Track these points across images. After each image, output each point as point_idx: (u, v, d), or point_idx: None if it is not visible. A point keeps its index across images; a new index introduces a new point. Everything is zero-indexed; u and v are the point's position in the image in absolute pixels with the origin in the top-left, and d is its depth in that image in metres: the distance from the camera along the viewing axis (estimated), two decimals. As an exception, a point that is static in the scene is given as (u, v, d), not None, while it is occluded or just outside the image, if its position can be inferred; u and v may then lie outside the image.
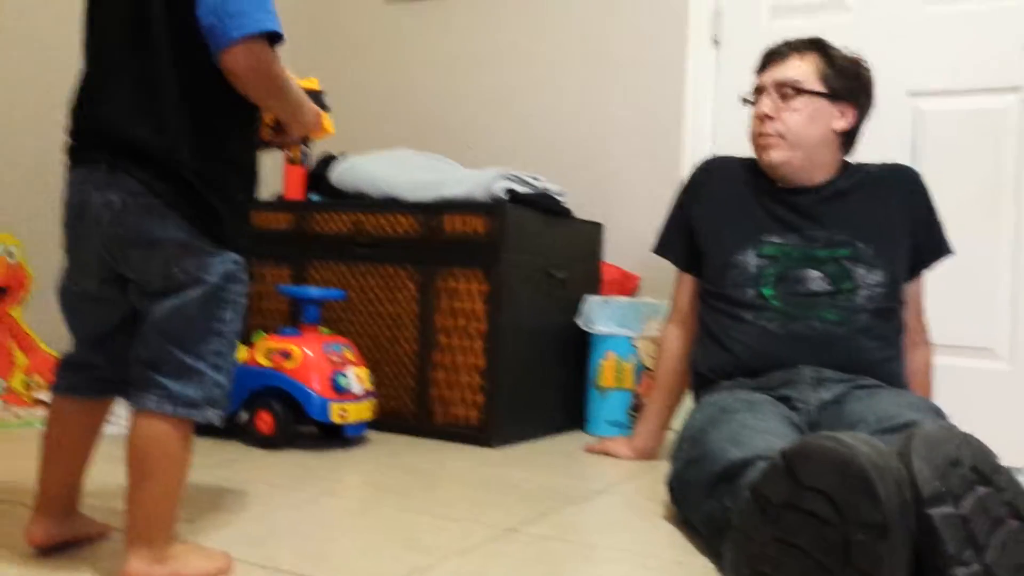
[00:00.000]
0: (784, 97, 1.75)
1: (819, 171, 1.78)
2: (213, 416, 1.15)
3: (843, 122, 1.77)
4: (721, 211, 1.85)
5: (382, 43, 3.06)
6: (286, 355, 2.00)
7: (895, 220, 1.77)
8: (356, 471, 1.84)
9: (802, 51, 1.77)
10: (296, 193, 2.56)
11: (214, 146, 1.14)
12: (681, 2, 2.62)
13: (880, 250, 1.73)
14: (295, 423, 1.99)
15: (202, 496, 1.55)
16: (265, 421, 1.98)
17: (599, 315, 2.37)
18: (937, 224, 1.82)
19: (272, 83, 1.15)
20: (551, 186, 2.41)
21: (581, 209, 2.56)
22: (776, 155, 1.75)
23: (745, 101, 1.83)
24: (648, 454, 2.04)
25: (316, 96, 1.33)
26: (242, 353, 2.09)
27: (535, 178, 2.37)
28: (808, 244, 1.74)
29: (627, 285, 2.59)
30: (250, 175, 1.22)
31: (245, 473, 1.74)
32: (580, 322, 2.40)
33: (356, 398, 2.01)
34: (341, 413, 1.98)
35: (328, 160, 2.59)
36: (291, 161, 1.29)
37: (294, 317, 2.32)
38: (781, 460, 1.07)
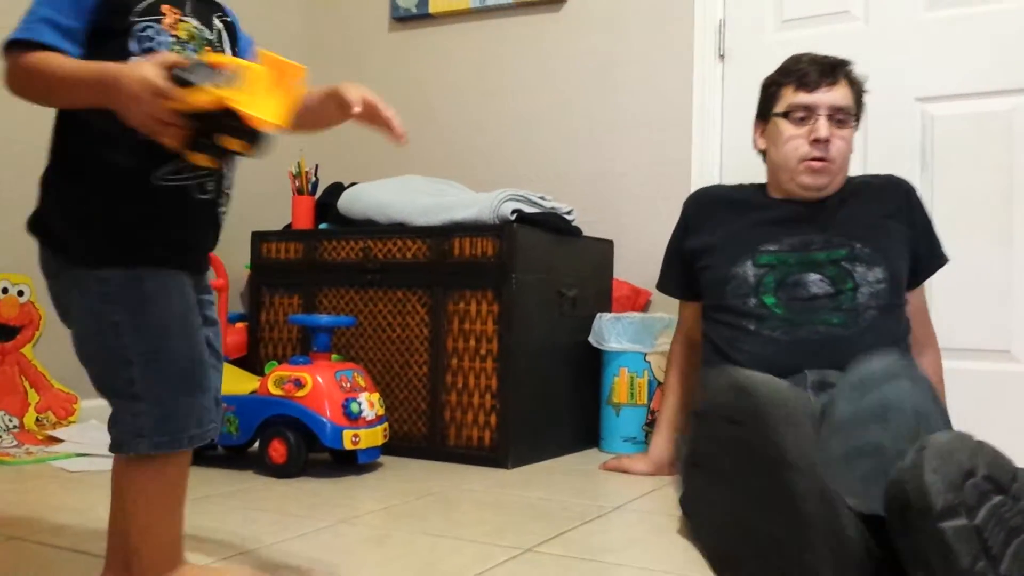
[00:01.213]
0: (837, 123, 1.74)
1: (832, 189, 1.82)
2: (147, 447, 1.06)
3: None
4: (715, 233, 1.86)
5: (387, 69, 3.07)
6: (298, 384, 1.99)
7: (892, 225, 1.78)
8: (371, 497, 1.82)
9: (847, 73, 1.78)
10: (304, 222, 2.57)
11: (54, 158, 1.09)
12: (687, 17, 2.63)
13: (878, 248, 1.73)
14: (308, 451, 1.98)
15: (216, 526, 1.54)
16: (278, 450, 1.97)
17: (611, 332, 2.35)
18: (934, 234, 1.85)
19: (21, 86, 1.02)
20: (559, 205, 2.41)
21: (591, 227, 2.56)
22: (824, 180, 1.76)
23: (786, 115, 1.78)
24: (665, 466, 2.02)
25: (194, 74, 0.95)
26: (253, 383, 2.08)
27: (543, 198, 2.37)
28: (805, 248, 1.74)
29: (638, 301, 2.57)
30: (98, 176, 1.05)
31: (259, 503, 1.73)
32: (592, 340, 2.38)
33: (368, 424, 2.00)
34: (354, 439, 1.96)
35: (336, 188, 2.60)
36: (211, 168, 1.05)
37: (305, 345, 2.32)
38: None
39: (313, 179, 2.63)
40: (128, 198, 1.05)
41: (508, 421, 2.14)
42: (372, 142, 3.05)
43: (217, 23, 1.16)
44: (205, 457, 2.13)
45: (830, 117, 1.74)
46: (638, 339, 2.34)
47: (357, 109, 1.14)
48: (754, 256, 1.77)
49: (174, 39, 1.07)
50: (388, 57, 3.08)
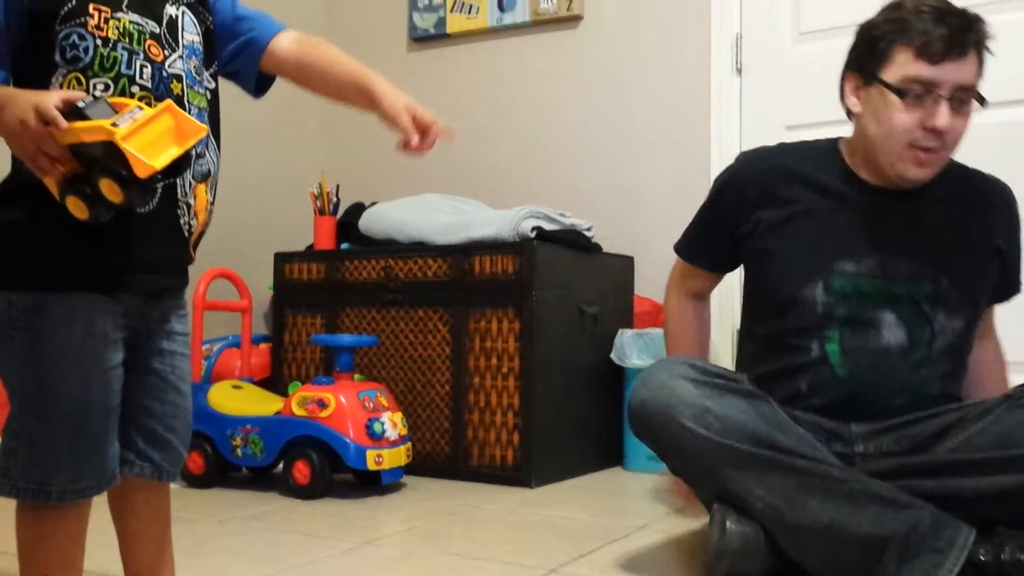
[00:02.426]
0: (958, 103, 1.37)
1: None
2: (8, 490, 0.98)
3: None
4: (780, 230, 1.49)
5: (406, 88, 3.08)
6: (321, 404, 2.00)
7: (987, 252, 1.49)
8: (395, 517, 1.82)
9: (978, 42, 1.38)
10: (326, 243, 2.59)
11: None
12: (703, 31, 2.63)
13: (968, 292, 1.45)
14: (332, 472, 1.98)
15: (241, 548, 1.54)
16: (302, 471, 1.97)
17: (633, 348, 2.34)
18: (1020, 260, 1.56)
19: None
20: (579, 222, 2.41)
21: (610, 243, 2.55)
22: (931, 172, 1.41)
23: (900, 93, 1.37)
24: None
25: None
26: (277, 404, 2.09)
27: (562, 214, 2.37)
28: (886, 277, 1.43)
29: (660, 317, 2.56)
30: (23, 188, 0.98)
31: (283, 524, 1.73)
32: (614, 356, 2.37)
33: (391, 444, 2.00)
34: (377, 459, 1.97)
35: (357, 208, 2.61)
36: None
37: (328, 365, 2.33)
38: None
39: (334, 199, 2.65)
40: (52, 213, 0.95)
41: (531, 440, 2.14)
42: (392, 162, 3.08)
43: (171, 9, 1.06)
44: (229, 478, 2.14)
45: (952, 98, 1.36)
46: (661, 355, 2.32)
47: (414, 139, 1.13)
48: (827, 277, 1.44)
49: (101, 41, 0.98)
50: (406, 76, 3.10)
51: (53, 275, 0.98)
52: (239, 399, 2.15)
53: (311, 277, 2.48)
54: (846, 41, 2.40)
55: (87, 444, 0.99)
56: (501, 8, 2.89)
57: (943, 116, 1.35)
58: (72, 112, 0.89)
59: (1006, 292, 1.57)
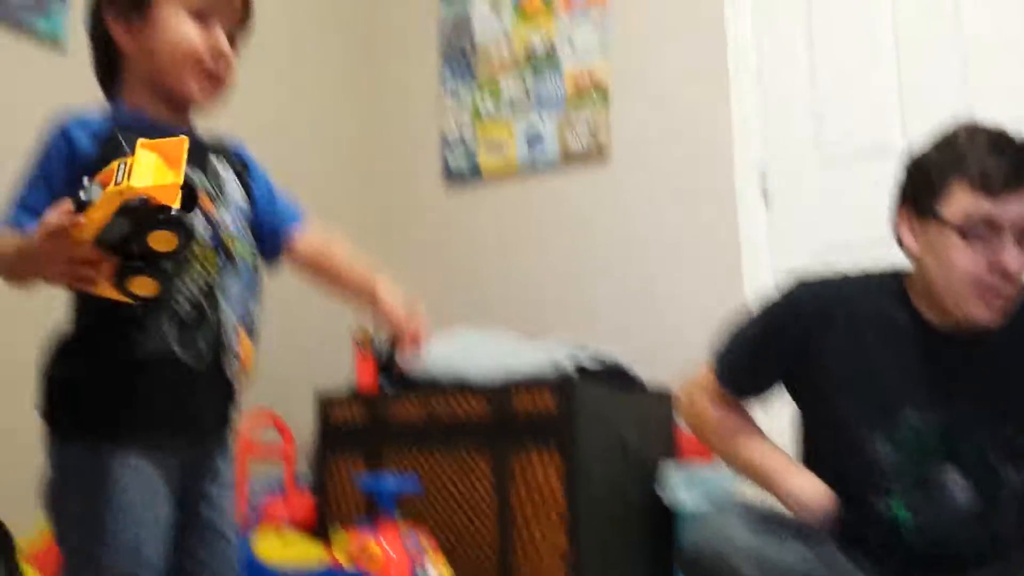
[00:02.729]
0: (1022, 236, 1.27)
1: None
2: None
3: None
4: (841, 364, 1.38)
5: (441, 226, 3.18)
6: (367, 553, 1.97)
7: None
8: (444, 673, 1.77)
9: None
10: (368, 383, 2.61)
11: (66, 326, 1.06)
12: (727, 161, 2.69)
13: None
14: (379, 623, 1.94)
15: None
16: (348, 623, 1.94)
17: (680, 485, 2.31)
18: None
19: None
20: (618, 356, 2.42)
21: (651, 377, 2.55)
22: (1001, 316, 1.30)
23: (961, 232, 1.27)
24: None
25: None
26: (323, 553, 2.08)
27: (601, 349, 2.38)
28: (951, 425, 1.33)
29: (706, 451, 2.53)
30: (87, 348, 1.02)
31: None
32: (660, 492, 2.34)
33: (437, 589, 1.97)
34: (423, 605, 1.93)
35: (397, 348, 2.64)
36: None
37: (371, 509, 2.32)
38: None
39: (376, 340, 2.69)
40: (112, 371, 1.00)
41: (580, 582, 2.09)
42: (432, 300, 3.12)
43: (216, 164, 1.12)
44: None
45: (1017, 232, 1.25)
46: (710, 492, 2.29)
47: (407, 342, 1.18)
48: (891, 428, 1.34)
49: None
50: (441, 215, 3.19)
51: (113, 430, 1.00)
52: (285, 548, 2.13)
53: (353, 418, 2.50)
54: (873, 166, 2.48)
55: None
56: (530, 146, 2.99)
57: (1011, 255, 1.25)
58: (75, 205, 0.88)
59: None
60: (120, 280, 0.92)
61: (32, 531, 2.18)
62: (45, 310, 1.14)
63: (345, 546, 2.01)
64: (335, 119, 3.23)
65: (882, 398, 1.35)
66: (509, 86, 3.04)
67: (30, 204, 1.00)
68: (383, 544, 1.97)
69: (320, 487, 2.52)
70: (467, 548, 2.26)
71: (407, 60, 3.30)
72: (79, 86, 1.29)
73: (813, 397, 1.43)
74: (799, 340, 1.41)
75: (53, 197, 0.97)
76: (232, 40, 1.13)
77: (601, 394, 2.28)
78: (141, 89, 1.10)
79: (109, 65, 1.12)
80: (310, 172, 3.04)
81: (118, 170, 0.89)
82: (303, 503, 2.54)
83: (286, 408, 2.52)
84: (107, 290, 0.93)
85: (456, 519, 2.29)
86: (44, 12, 2.24)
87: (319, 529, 2.46)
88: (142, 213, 0.88)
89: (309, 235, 1.26)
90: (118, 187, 0.87)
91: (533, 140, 2.98)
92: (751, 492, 1.57)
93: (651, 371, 2.59)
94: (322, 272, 1.25)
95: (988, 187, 1.25)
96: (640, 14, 2.87)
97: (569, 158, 2.93)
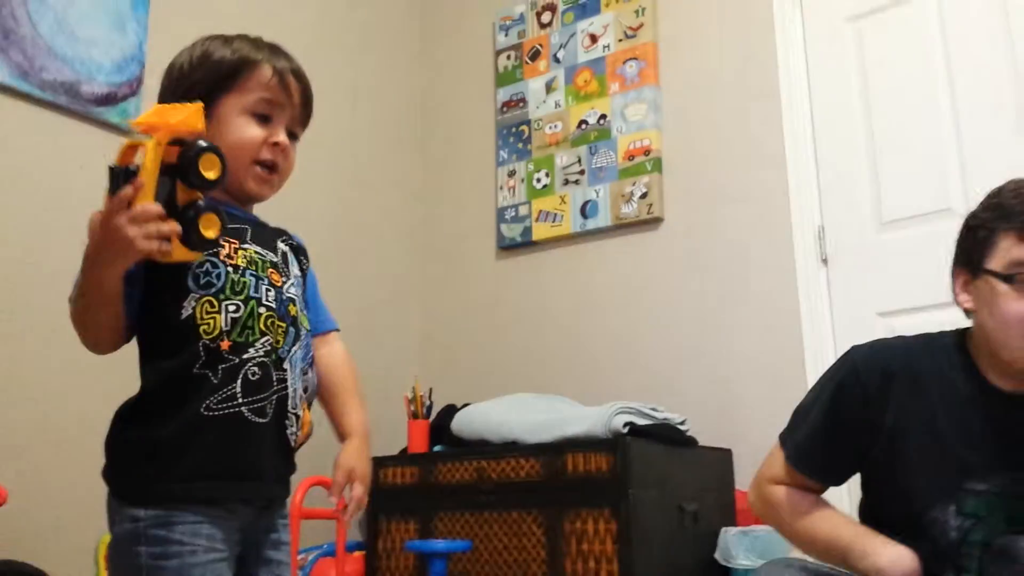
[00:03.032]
0: None
1: None
2: None
3: None
4: (906, 433, 1.35)
5: (495, 292, 3.20)
6: (415, 612, 1.94)
7: None
8: None
9: None
10: (419, 446, 2.60)
11: (134, 397, 1.09)
12: (784, 224, 2.67)
13: None
14: None
15: None
16: None
17: (738, 547, 2.23)
18: None
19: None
20: (672, 416, 2.38)
21: (707, 437, 2.50)
22: None
23: (1009, 279, 1.29)
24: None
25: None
26: (371, 613, 2.04)
27: (655, 409, 2.35)
28: (1017, 491, 1.28)
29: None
30: (149, 415, 1.05)
31: None
32: (719, 556, 2.25)
33: (488, 655, 1.91)
34: (473, 673, 1.87)
35: (450, 410, 2.64)
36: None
37: (423, 572, 2.28)
38: None
39: (427, 402, 2.69)
40: (174, 433, 1.02)
41: (635, 649, 2.01)
42: (484, 364, 3.15)
43: (281, 246, 1.19)
44: None
45: None
46: (768, 553, 2.20)
47: (334, 499, 1.17)
48: (960, 498, 1.31)
49: (232, 268, 1.08)
50: (495, 282, 3.22)
51: (177, 491, 1.01)
52: (333, 609, 2.11)
53: (404, 481, 2.48)
54: (932, 228, 2.44)
55: None
56: (584, 215, 3.01)
57: None
58: (118, 177, 0.95)
59: None
60: (188, 232, 0.98)
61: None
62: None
63: (393, 606, 1.98)
64: (396, 199, 3.32)
65: (950, 467, 1.31)
66: (563, 160, 3.09)
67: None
68: (432, 605, 1.94)
69: (372, 549, 2.49)
70: (518, 613, 2.20)
71: (465, 139, 3.40)
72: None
73: (879, 468, 1.39)
74: (867, 410, 1.38)
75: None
76: (293, 134, 1.19)
77: (655, 453, 2.23)
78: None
79: None
80: (367, 243, 3.12)
81: (136, 153, 0.97)
82: (354, 566, 2.52)
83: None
84: (180, 251, 0.98)
85: (507, 582, 2.23)
86: (115, 104, 2.36)
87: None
88: (191, 151, 0.97)
89: (335, 346, 1.31)
90: (159, 130, 0.95)
91: (587, 208, 3.01)
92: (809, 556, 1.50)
93: (710, 431, 2.54)
94: (322, 387, 1.27)
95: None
96: (693, 86, 2.91)
97: (622, 225, 2.94)
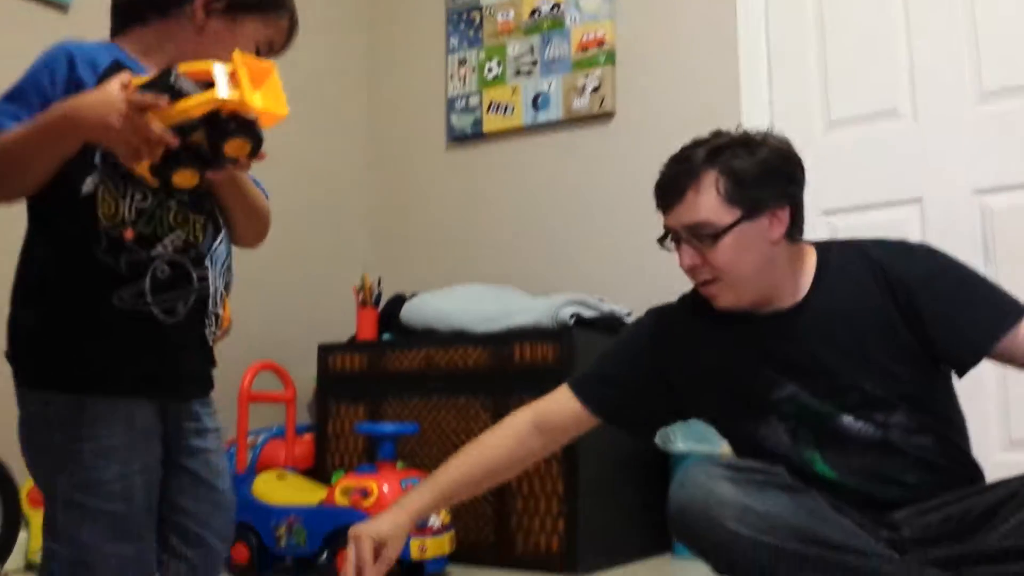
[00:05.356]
0: (701, 239, 1.38)
1: (783, 292, 1.42)
2: None
3: (779, 227, 1.39)
4: (700, 385, 1.48)
5: (444, 184, 3.19)
6: (364, 493, 2.00)
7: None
8: (439, 607, 1.80)
9: (697, 179, 1.40)
10: (368, 333, 2.63)
11: (20, 271, 1.03)
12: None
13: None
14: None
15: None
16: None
17: (677, 433, 2.33)
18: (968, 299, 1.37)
19: None
20: (617, 307, 2.43)
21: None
22: (723, 300, 1.41)
23: (661, 244, 1.50)
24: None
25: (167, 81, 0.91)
26: (321, 493, 2.10)
27: (600, 300, 2.40)
28: (812, 389, 1.40)
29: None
30: (55, 296, 0.99)
31: (328, 613, 1.72)
32: (658, 441, 2.35)
33: (435, 532, 1.99)
34: (421, 548, 1.95)
35: (399, 300, 2.66)
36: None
37: (371, 454, 2.34)
38: None
39: (376, 291, 2.70)
40: (83, 321, 0.98)
41: (576, 526, 2.11)
42: (432, 254, 3.16)
43: None
44: (274, 569, 2.13)
45: (691, 235, 1.43)
46: (705, 439, 2.30)
47: None
48: (774, 408, 1.46)
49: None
50: (445, 173, 3.20)
51: (90, 377, 0.97)
52: (283, 489, 2.16)
53: (354, 368, 2.52)
54: (877, 127, 2.48)
55: (131, 542, 0.98)
56: (536, 107, 2.99)
57: (685, 254, 1.43)
58: (167, 90, 0.89)
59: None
60: (164, 167, 0.92)
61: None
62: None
63: (343, 487, 2.03)
64: (342, 88, 3.24)
65: (749, 392, 1.41)
66: (515, 49, 3.04)
67: (10, 110, 0.96)
68: (381, 485, 2.00)
69: (321, 433, 2.54)
70: (465, 493, 2.28)
71: (413, 25, 3.30)
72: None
73: (695, 412, 1.53)
74: (656, 370, 1.50)
75: (32, 112, 0.95)
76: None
77: (599, 344, 2.29)
78: (156, 53, 1.07)
79: (140, 15, 1.08)
80: (316, 127, 3.06)
81: (218, 75, 0.91)
82: (304, 448, 2.57)
83: (289, 360, 2.54)
84: (144, 171, 0.94)
85: (454, 464, 2.31)
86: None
87: (319, 473, 2.48)
88: (228, 123, 0.92)
89: None
90: (224, 97, 0.90)
91: (539, 100, 2.98)
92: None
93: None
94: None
95: (659, 205, 1.50)
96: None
97: (573, 119, 2.93)
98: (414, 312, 2.53)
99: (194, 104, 0.90)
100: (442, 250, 3.15)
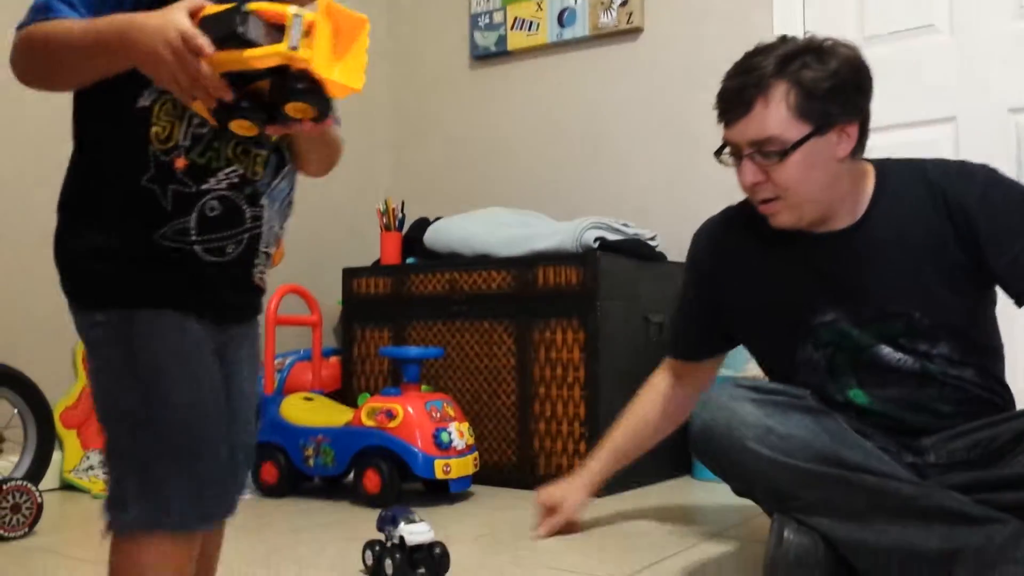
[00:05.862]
0: (767, 156, 1.36)
1: (840, 211, 1.40)
2: (121, 522, 0.87)
3: (847, 144, 1.36)
4: (747, 302, 1.51)
5: (469, 104, 3.14)
6: (389, 415, 2.03)
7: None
8: (465, 526, 1.84)
9: (765, 91, 1.36)
10: (392, 258, 2.63)
11: (63, 195, 0.94)
12: (767, 36, 2.60)
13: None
14: (401, 481, 2.01)
15: (314, 558, 1.57)
16: (372, 480, 2.01)
17: (700, 358, 2.32)
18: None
19: (22, 65, 0.87)
20: (642, 231, 2.41)
21: (675, 252, 2.54)
22: (783, 219, 1.40)
23: (717, 158, 1.49)
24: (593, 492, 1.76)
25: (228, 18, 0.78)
26: (347, 415, 2.13)
27: (625, 224, 2.37)
28: (856, 317, 1.40)
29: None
30: (95, 222, 0.90)
31: (355, 532, 1.76)
32: (681, 366, 2.35)
33: (459, 453, 2.02)
34: (445, 469, 1.99)
35: (422, 223, 2.65)
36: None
37: (396, 377, 2.37)
38: None
39: (400, 215, 2.70)
40: (125, 251, 0.89)
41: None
42: (456, 178, 3.13)
43: None
44: (302, 488, 2.19)
45: (757, 152, 1.42)
46: (726, 362, 2.30)
47: None
48: (813, 332, 1.50)
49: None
50: (469, 93, 3.14)
51: (138, 294, 0.90)
52: (310, 411, 2.20)
53: (378, 292, 2.53)
54: (913, 43, 2.39)
55: (209, 455, 0.89)
56: (561, 24, 2.91)
57: (747, 171, 1.44)
58: (232, 37, 0.77)
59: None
60: (220, 111, 0.82)
61: (66, 393, 2.26)
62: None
63: (369, 409, 2.06)
64: (362, 5, 3.17)
65: (793, 313, 1.43)
66: (541, -37, 2.94)
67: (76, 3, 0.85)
68: (406, 407, 2.02)
69: (347, 356, 2.57)
70: (489, 415, 2.31)
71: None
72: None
73: (746, 338, 1.58)
74: (710, 291, 1.57)
75: (93, 10, 0.85)
76: None
77: (623, 268, 2.28)
78: None
79: None
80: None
81: (292, 25, 0.77)
82: (330, 371, 2.61)
83: (315, 284, 2.56)
84: (200, 110, 0.84)
85: (478, 387, 2.33)
86: None
87: (345, 396, 2.53)
88: (294, 80, 0.79)
89: None
90: (292, 54, 0.77)
91: (564, 16, 2.90)
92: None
93: (678, 247, 2.58)
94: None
95: (721, 119, 1.46)
96: None
97: (600, 36, 2.85)
98: (437, 236, 2.53)
99: (255, 55, 0.78)
100: (465, 173, 3.12)
